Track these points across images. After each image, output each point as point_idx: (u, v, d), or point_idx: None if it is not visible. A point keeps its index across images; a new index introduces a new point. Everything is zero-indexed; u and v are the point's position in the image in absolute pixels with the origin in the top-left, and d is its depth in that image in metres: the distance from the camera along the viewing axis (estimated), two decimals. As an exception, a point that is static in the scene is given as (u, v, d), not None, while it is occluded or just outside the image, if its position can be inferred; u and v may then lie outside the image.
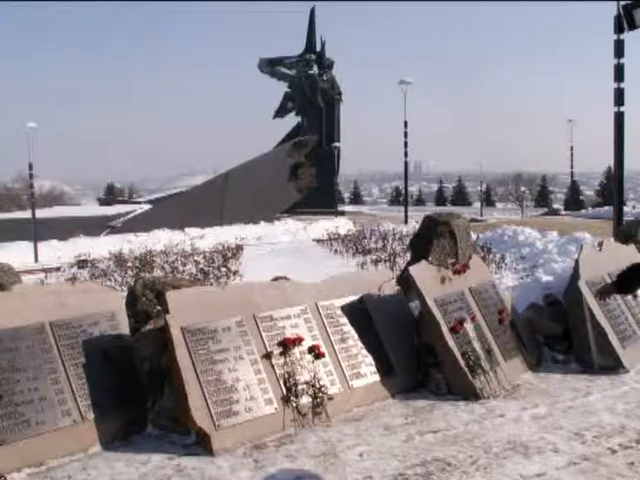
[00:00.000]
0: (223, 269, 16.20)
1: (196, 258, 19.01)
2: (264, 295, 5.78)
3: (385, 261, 16.16)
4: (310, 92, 53.67)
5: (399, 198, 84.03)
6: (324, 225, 31.24)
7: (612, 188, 19.67)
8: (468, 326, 6.34)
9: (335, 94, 55.06)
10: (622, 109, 15.15)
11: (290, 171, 45.36)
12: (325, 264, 16.78)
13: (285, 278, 6.40)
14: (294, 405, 5.26)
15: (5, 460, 4.43)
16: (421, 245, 7.37)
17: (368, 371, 5.96)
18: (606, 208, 35.53)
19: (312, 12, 55.15)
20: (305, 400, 5.34)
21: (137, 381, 5.31)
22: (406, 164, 38.80)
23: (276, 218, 40.21)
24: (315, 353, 5.64)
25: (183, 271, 16.21)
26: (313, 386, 5.41)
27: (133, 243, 25.10)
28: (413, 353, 6.36)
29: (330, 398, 5.47)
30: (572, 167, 57.27)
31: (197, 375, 4.96)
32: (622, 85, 15.12)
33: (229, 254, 19.87)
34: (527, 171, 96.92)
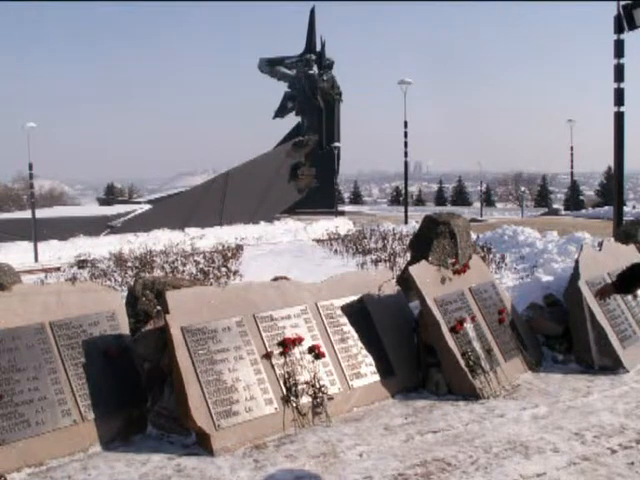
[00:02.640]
0: (223, 269, 16.20)
1: (196, 258, 19.00)
2: (264, 295, 5.78)
3: (385, 261, 16.15)
4: (310, 92, 53.64)
5: (399, 198, 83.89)
6: (324, 225, 31.20)
7: (612, 188, 19.66)
8: (468, 326, 6.34)
9: (335, 94, 55.02)
10: (622, 109, 15.14)
11: (290, 171, 45.38)
12: (325, 264, 16.82)
13: (285, 278, 6.39)
14: (294, 405, 5.26)
15: (5, 460, 4.44)
16: (421, 245, 7.36)
17: (368, 371, 5.96)
18: (606, 208, 35.52)
19: (312, 12, 55.13)
20: (305, 400, 5.34)
21: (137, 381, 5.31)
22: (406, 164, 38.70)
23: (276, 218, 40.21)
24: (315, 353, 5.64)
25: (183, 271, 16.21)
26: (313, 386, 5.41)
27: (133, 243, 25.13)
28: (413, 353, 6.36)
29: (330, 398, 5.47)
30: (572, 167, 57.17)
31: (197, 375, 4.96)
32: (622, 85, 15.12)
33: (229, 254, 19.86)
34: (527, 171, 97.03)
